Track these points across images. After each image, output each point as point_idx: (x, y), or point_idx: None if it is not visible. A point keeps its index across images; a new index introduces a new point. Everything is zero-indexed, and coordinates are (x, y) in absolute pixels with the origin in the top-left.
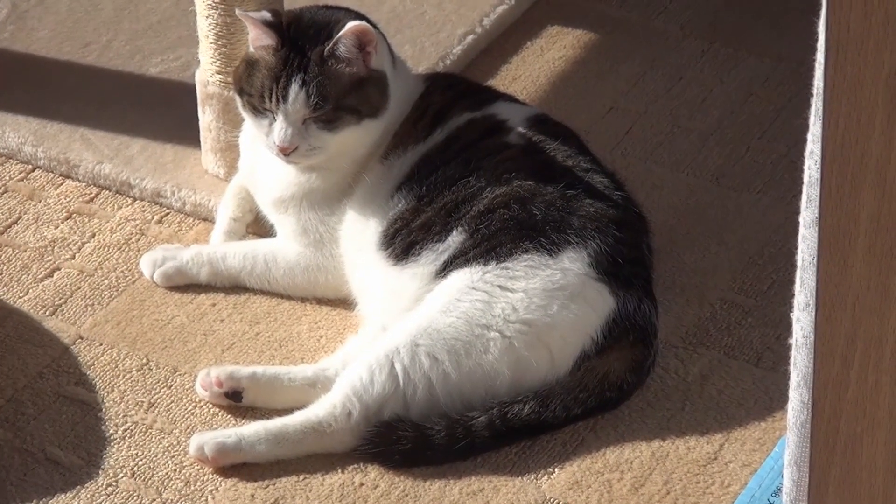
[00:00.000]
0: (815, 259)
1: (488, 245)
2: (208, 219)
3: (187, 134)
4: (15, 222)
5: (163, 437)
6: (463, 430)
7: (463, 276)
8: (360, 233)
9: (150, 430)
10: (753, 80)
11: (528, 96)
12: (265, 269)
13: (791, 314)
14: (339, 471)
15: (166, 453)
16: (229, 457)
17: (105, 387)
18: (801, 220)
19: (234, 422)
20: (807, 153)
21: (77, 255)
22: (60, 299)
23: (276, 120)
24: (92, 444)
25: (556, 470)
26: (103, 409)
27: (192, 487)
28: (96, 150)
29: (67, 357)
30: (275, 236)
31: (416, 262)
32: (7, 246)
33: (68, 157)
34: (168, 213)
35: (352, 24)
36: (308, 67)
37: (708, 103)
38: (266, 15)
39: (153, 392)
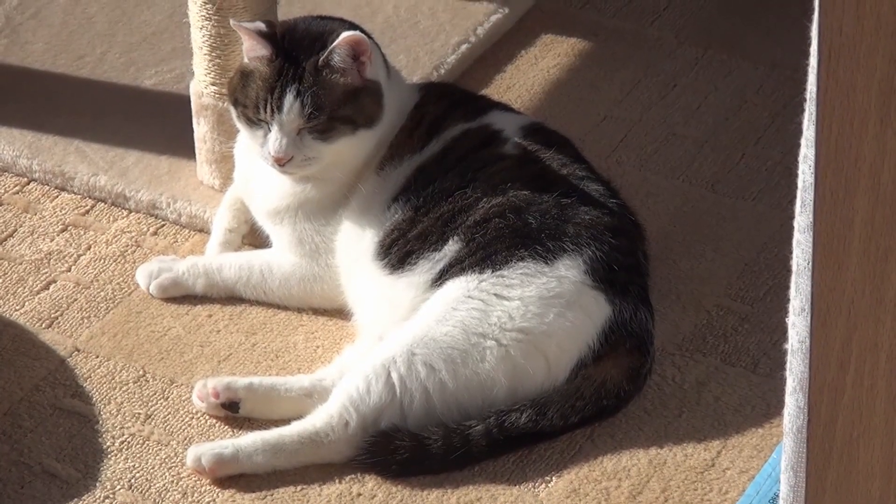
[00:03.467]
0: (810, 264)
1: (484, 253)
2: (204, 230)
3: (182, 145)
4: (10, 235)
5: (160, 449)
6: (460, 439)
7: (459, 285)
8: (355, 243)
9: (147, 442)
10: (748, 86)
11: (522, 105)
12: (261, 280)
13: (787, 319)
14: (337, 481)
15: (163, 465)
16: (227, 468)
17: (102, 399)
18: (795, 224)
19: (231, 433)
20: (801, 158)
21: (73, 267)
22: (56, 312)
23: (270, 130)
24: (89, 457)
25: (553, 478)
26: (100, 422)
27: (190, 499)
28: (91, 163)
29: (64, 369)
30: (270, 247)
31: (412, 272)
32: (3, 259)
33: (63, 170)
34: (163, 225)
35: (346, 35)
36: (303, 78)
37: (702, 110)
38: (260, 25)
39: (150, 404)
